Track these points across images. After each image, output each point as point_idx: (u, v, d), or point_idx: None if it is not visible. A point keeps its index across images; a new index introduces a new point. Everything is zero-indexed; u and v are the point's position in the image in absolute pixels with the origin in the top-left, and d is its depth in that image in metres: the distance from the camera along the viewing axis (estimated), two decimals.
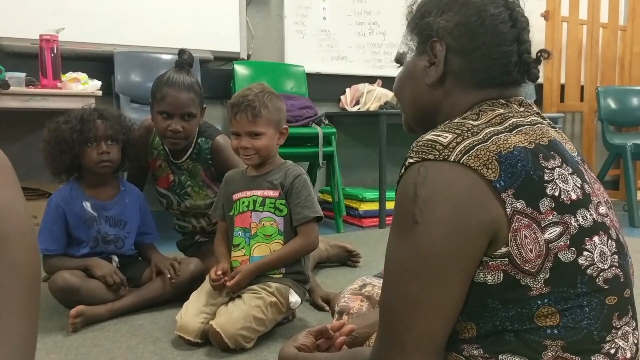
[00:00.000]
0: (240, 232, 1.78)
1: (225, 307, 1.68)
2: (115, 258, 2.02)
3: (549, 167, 0.79)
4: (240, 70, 3.47)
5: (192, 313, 1.68)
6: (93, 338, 1.72)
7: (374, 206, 3.55)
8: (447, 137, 0.79)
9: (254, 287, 1.71)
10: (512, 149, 0.77)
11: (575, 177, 0.81)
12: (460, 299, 0.78)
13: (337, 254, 2.56)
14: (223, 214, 1.86)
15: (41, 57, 2.55)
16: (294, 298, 1.75)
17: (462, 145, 0.77)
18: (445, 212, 0.75)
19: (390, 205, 3.55)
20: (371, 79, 3.88)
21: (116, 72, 3.06)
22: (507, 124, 0.82)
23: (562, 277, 0.76)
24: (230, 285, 1.68)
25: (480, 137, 0.78)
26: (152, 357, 1.59)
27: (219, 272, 1.71)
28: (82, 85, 2.62)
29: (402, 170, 0.81)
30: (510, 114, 0.83)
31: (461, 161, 0.76)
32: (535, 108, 0.90)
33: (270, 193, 1.76)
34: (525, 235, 0.75)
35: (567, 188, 0.79)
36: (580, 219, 0.78)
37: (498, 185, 0.75)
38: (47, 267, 1.94)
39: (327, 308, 1.92)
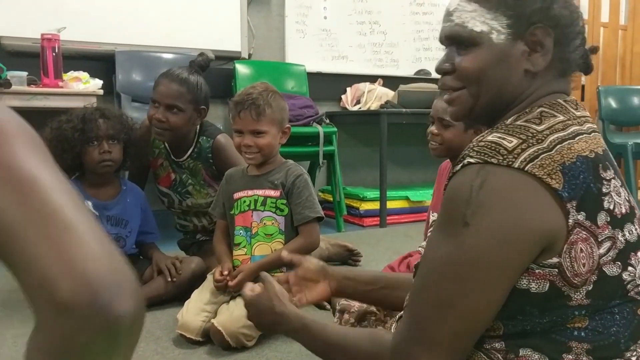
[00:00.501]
0: (241, 231, 1.78)
1: (227, 306, 1.68)
2: None
3: (607, 178, 0.78)
4: (241, 69, 3.48)
5: (193, 312, 1.69)
6: None
7: (375, 205, 3.55)
8: (513, 141, 0.76)
9: (255, 285, 1.71)
10: (574, 159, 0.76)
11: (623, 189, 0.80)
12: (497, 306, 0.76)
13: (337, 253, 2.57)
14: (223, 212, 1.86)
15: (43, 56, 2.55)
16: None
17: (528, 153, 0.75)
18: (499, 219, 0.73)
19: (390, 204, 3.55)
20: (372, 78, 3.89)
21: (117, 71, 3.06)
22: (569, 131, 0.80)
23: (604, 290, 0.76)
24: (233, 285, 1.69)
25: (545, 145, 0.76)
26: (154, 356, 1.59)
27: (225, 272, 1.72)
28: (84, 84, 2.62)
29: (458, 168, 0.78)
30: (569, 122, 0.81)
31: (526, 169, 0.73)
32: (586, 111, 0.88)
33: (272, 193, 1.77)
34: (581, 249, 0.73)
35: (619, 201, 0.78)
36: (627, 234, 0.78)
37: (564, 195, 0.73)
38: None
39: (329, 307, 1.93)
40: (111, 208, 2.01)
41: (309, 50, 3.80)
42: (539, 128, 0.79)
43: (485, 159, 0.75)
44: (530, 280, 0.74)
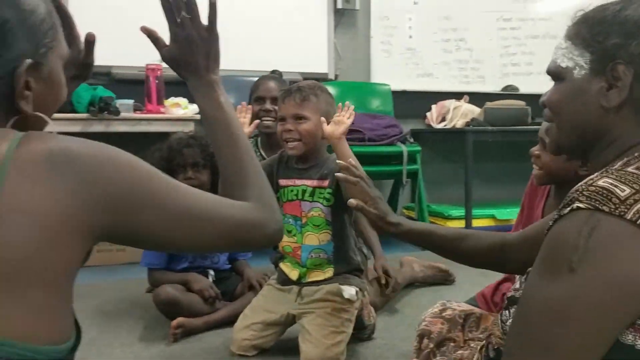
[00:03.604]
0: (291, 219, 1.82)
1: (303, 334, 1.75)
2: (212, 272, 2.17)
3: None
4: None
5: (240, 327, 1.81)
6: (191, 348, 1.87)
7: (460, 224, 3.52)
8: (625, 190, 0.73)
9: (311, 313, 1.77)
10: None
11: None
12: (595, 355, 0.73)
13: (432, 275, 2.60)
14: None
15: (147, 84, 2.79)
16: (348, 292, 1.76)
17: None
18: (608, 269, 0.71)
19: (476, 223, 3.51)
20: (457, 95, 3.87)
21: None
22: None
23: None
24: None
25: None
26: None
27: None
28: (183, 109, 2.84)
29: (566, 212, 0.76)
30: None
31: (638, 222, 0.70)
32: None
33: (320, 183, 1.79)
34: None
35: None
36: None
37: None
38: (152, 280, 2.12)
39: (384, 280, 2.13)
40: None
41: (394, 69, 3.86)
42: None
43: (597, 205, 0.72)
44: (637, 337, 0.72)
